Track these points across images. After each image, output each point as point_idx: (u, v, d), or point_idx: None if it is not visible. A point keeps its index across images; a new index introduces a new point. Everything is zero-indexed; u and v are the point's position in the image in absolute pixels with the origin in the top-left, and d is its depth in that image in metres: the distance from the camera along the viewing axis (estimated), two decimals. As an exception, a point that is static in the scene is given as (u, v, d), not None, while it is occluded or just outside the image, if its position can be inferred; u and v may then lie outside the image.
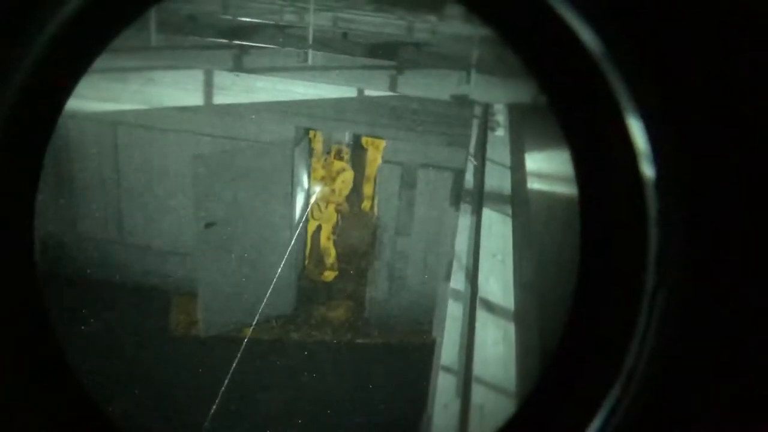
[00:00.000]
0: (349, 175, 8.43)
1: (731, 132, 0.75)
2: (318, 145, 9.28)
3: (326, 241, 8.46)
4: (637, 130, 0.77)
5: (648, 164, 0.78)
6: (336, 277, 8.50)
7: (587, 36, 0.76)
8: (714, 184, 0.76)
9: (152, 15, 6.79)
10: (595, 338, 0.88)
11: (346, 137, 9.19)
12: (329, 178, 8.27)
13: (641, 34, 0.75)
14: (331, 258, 8.51)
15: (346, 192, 8.48)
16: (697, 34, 0.73)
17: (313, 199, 8.22)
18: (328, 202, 8.24)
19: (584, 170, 0.85)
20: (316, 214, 8.25)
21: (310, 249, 8.50)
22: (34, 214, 0.88)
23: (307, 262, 8.54)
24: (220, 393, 6.29)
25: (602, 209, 0.85)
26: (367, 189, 9.59)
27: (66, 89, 0.85)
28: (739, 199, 0.76)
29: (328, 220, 8.33)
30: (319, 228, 8.34)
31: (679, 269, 0.79)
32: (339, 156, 8.48)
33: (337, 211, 8.38)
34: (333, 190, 8.22)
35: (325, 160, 8.67)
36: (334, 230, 8.53)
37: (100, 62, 0.89)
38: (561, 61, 0.81)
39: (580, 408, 0.85)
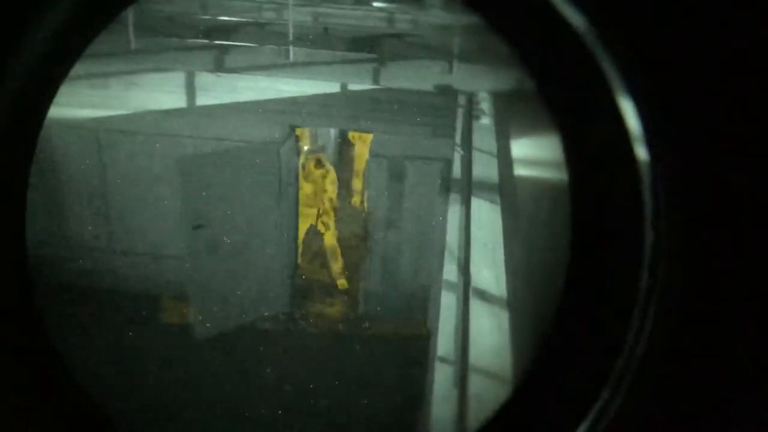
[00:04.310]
0: (333, 176, 8.29)
1: (725, 108, 0.71)
2: (305, 143, 9.20)
3: (332, 241, 8.10)
4: (628, 111, 0.74)
5: (641, 146, 0.75)
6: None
7: (573, 15, 0.73)
8: (708, 162, 0.73)
9: (130, 18, 6.72)
10: (586, 324, 0.86)
11: (331, 133, 9.12)
12: (320, 189, 8.09)
13: (629, 12, 0.72)
14: (338, 262, 8.01)
15: (335, 191, 8.39)
16: (688, 10, 0.69)
17: (301, 198, 8.15)
18: (322, 211, 8.03)
19: (575, 154, 0.82)
20: (307, 210, 8.18)
21: (303, 247, 8.46)
22: (25, 222, 0.87)
23: (300, 260, 8.51)
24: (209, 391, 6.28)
25: (594, 193, 0.82)
26: (356, 184, 9.55)
27: (44, 101, 0.84)
28: (735, 179, 0.73)
29: (328, 221, 8.12)
30: (311, 227, 8.28)
31: (672, 257, 0.77)
32: (319, 164, 8.20)
33: (333, 209, 8.26)
34: (325, 198, 8.03)
35: (304, 168, 8.42)
36: (335, 227, 8.33)
37: (80, 68, 0.87)
38: (548, 43, 0.79)
39: (571, 396, 0.84)
